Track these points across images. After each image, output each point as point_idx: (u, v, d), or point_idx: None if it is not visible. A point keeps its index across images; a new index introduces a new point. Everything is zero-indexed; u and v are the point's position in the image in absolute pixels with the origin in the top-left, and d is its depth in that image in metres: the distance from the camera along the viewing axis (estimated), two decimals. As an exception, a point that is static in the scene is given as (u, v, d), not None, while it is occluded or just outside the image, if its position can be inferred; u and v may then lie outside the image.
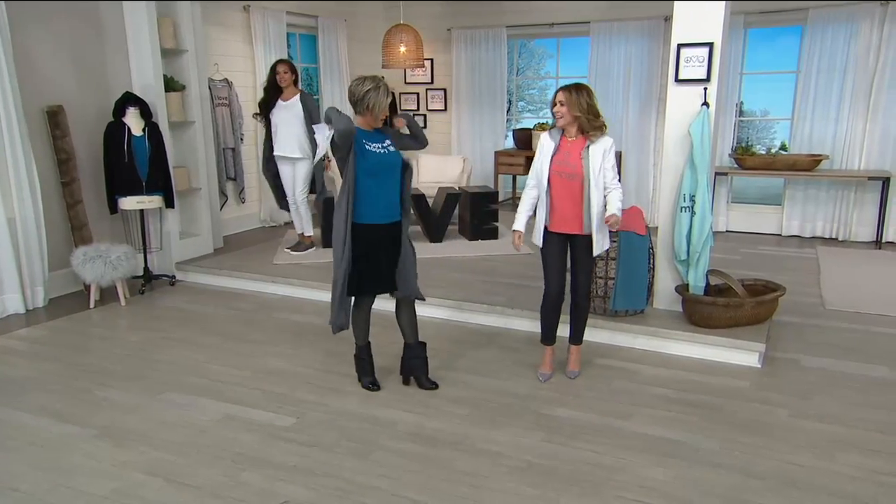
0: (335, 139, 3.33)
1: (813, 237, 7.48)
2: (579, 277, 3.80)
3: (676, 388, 3.80)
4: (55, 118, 5.43)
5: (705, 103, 4.23)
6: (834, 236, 7.40)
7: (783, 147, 7.54)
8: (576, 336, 3.98)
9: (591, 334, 4.48)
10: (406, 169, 3.63)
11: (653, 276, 4.56)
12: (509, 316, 4.73)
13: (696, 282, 4.35)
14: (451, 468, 3.01)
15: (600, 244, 3.71)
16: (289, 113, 5.92)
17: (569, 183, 3.63)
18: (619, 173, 8.09)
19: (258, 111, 6.16)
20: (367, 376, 3.85)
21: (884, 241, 7.07)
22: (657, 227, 4.65)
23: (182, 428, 3.39)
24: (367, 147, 3.47)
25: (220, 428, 3.39)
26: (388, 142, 3.57)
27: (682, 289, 4.37)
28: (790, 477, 2.92)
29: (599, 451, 3.15)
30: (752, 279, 4.61)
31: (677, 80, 4.29)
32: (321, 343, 4.54)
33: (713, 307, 4.17)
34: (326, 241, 6.24)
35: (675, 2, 4.25)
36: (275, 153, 6.07)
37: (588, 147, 3.59)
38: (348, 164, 3.41)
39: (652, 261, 4.51)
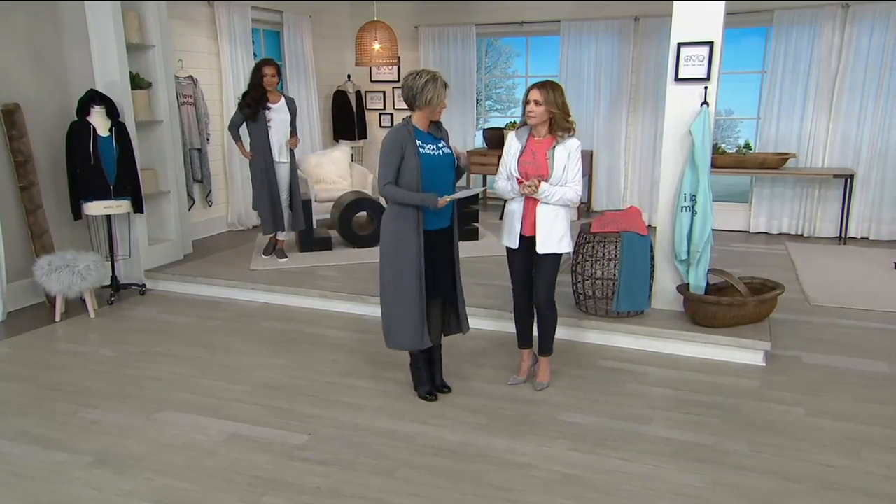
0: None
1: (780, 233, 7.66)
2: (539, 285, 3.66)
3: (687, 390, 3.78)
4: (11, 117, 5.03)
5: (705, 102, 4.23)
6: (799, 232, 7.60)
7: (747, 146, 7.70)
8: (543, 347, 3.81)
9: (593, 336, 4.45)
10: (458, 171, 3.55)
11: (652, 277, 4.54)
12: (507, 319, 4.62)
13: (697, 281, 4.35)
14: (483, 483, 2.89)
15: (544, 243, 3.53)
16: (278, 117, 5.66)
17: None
18: (591, 174, 8.29)
19: (247, 110, 5.58)
20: (424, 385, 3.70)
21: (847, 236, 7.30)
22: (649, 227, 4.64)
23: (186, 450, 3.15)
24: (421, 149, 3.33)
25: (229, 449, 3.16)
26: (442, 143, 3.45)
27: (684, 288, 4.36)
28: (825, 479, 2.91)
29: (629, 459, 3.08)
30: (749, 277, 4.64)
31: (677, 79, 4.28)
32: (315, 353, 4.34)
33: (717, 307, 4.16)
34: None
35: (675, 1, 4.23)
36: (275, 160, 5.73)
37: (554, 147, 3.47)
38: (404, 172, 3.32)
39: (652, 261, 4.48)
